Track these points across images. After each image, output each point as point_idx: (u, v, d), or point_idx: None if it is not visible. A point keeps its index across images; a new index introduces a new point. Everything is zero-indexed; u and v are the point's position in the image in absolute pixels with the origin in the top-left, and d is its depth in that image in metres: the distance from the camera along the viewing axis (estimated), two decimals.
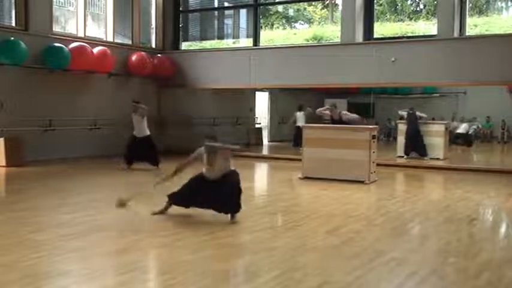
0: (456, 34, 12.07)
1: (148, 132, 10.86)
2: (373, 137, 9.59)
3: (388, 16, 16.10)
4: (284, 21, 18.33)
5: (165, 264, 4.66)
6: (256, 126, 19.65)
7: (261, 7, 15.77)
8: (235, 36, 17.68)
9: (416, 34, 14.17)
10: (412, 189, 9.63)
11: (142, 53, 14.45)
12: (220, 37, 17.51)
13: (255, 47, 14.45)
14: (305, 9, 18.54)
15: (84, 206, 6.99)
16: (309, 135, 10.04)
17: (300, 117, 15.51)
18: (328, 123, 12.39)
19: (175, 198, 6.22)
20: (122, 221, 6.01)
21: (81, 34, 13.54)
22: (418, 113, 13.85)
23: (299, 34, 17.26)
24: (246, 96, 18.99)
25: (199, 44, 16.74)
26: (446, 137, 13.80)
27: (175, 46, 15.67)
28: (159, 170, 10.30)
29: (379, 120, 20.39)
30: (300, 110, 15.76)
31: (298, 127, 14.14)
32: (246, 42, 16.13)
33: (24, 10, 12.03)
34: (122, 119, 12.01)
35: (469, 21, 12.57)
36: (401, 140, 13.93)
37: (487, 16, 14.54)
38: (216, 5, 17.70)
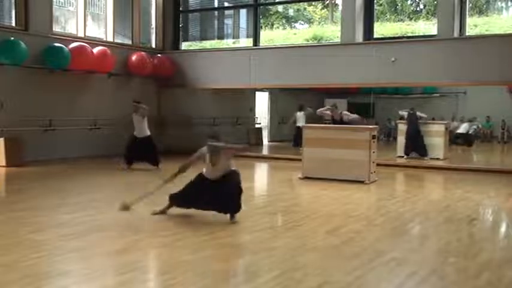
0: (456, 34, 12.07)
1: (148, 133, 10.85)
2: (373, 137, 9.59)
3: (388, 16, 16.10)
4: (284, 21, 18.33)
5: (165, 264, 4.66)
6: (256, 126, 19.65)
7: (261, 7, 15.76)
8: (235, 36, 17.68)
9: (416, 34, 14.17)
10: (412, 189, 9.63)
11: (143, 53, 14.44)
12: (220, 37, 17.51)
13: (255, 47, 14.45)
14: (305, 9, 18.54)
15: (84, 206, 6.99)
16: (308, 135, 10.04)
17: (300, 117, 15.50)
18: (328, 124, 12.40)
19: (176, 200, 6.23)
20: (122, 221, 6.00)
21: (81, 34, 13.54)
22: (418, 113, 13.86)
23: (299, 34, 17.26)
24: (246, 96, 18.99)
25: (199, 44, 16.74)
26: (446, 137, 13.80)
27: (175, 46, 15.67)
28: (159, 170, 10.31)
29: (379, 120, 20.40)
30: (300, 110, 15.75)
31: (299, 127, 14.14)
32: (246, 42, 16.13)
33: (24, 10, 12.03)
34: (122, 119, 12.01)
35: (469, 21, 12.57)
36: (401, 140, 13.93)
37: (487, 16, 14.54)
38: (216, 5, 17.70)
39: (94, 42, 13.46)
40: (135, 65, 14.19)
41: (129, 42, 14.98)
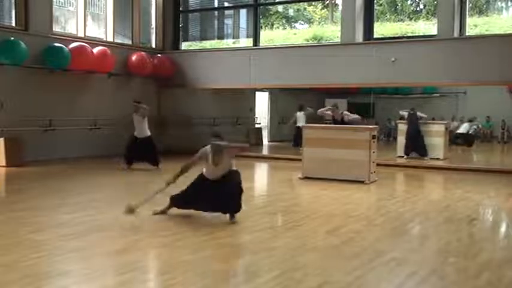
0: (456, 34, 12.07)
1: (149, 133, 10.83)
2: (373, 137, 9.59)
3: (388, 16, 16.09)
4: (284, 21, 18.33)
5: (165, 264, 4.66)
6: (256, 126, 19.65)
7: (261, 7, 15.76)
8: (235, 36, 17.68)
9: (416, 34, 14.16)
10: (412, 189, 9.63)
11: (143, 53, 14.45)
12: (220, 37, 17.51)
13: (255, 47, 14.45)
14: (305, 9, 18.53)
15: (84, 206, 6.99)
16: (309, 135, 10.04)
17: (300, 118, 15.50)
18: (329, 124, 12.40)
19: (177, 202, 6.23)
20: (122, 221, 6.00)
21: (81, 34, 13.54)
22: (419, 113, 13.87)
23: (299, 34, 17.26)
24: (246, 96, 18.99)
25: (199, 44, 16.74)
26: (446, 137, 13.80)
27: (175, 46, 15.67)
28: (159, 170, 10.32)
29: (379, 120, 20.41)
30: (300, 110, 15.75)
31: (299, 127, 14.14)
32: (246, 42, 16.13)
33: (24, 10, 12.03)
34: (122, 119, 12.01)
35: (469, 21, 12.57)
36: (401, 140, 13.93)
37: (487, 16, 14.53)
38: (216, 5, 17.70)
39: (94, 42, 13.46)
40: (135, 65, 14.19)
41: (129, 42, 14.98)
